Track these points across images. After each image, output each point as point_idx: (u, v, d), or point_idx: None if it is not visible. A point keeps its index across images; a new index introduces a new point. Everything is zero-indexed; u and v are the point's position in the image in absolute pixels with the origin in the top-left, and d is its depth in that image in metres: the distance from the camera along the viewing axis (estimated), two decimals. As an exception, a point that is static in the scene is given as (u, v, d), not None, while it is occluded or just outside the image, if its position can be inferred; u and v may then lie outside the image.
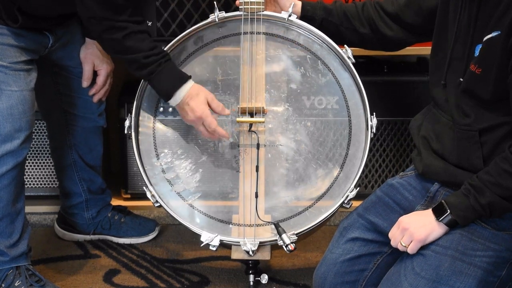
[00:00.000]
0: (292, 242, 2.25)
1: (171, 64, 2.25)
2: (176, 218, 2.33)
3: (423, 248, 1.89)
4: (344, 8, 2.30)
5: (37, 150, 2.95)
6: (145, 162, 2.38)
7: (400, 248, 1.92)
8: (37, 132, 2.92)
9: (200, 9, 2.79)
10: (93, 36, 2.43)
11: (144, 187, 2.35)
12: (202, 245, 2.30)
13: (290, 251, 2.25)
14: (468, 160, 1.93)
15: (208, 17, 2.35)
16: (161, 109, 2.41)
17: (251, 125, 2.35)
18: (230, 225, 2.35)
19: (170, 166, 2.39)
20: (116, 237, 2.77)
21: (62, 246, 2.74)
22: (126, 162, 2.91)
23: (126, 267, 2.60)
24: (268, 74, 2.37)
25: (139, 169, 2.35)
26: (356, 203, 2.24)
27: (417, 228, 1.89)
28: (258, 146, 2.35)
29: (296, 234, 2.28)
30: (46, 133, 2.87)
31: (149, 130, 2.40)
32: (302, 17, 2.34)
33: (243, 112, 2.35)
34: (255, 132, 2.36)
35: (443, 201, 1.89)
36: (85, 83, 2.54)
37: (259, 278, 2.38)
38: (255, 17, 2.32)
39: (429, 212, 1.91)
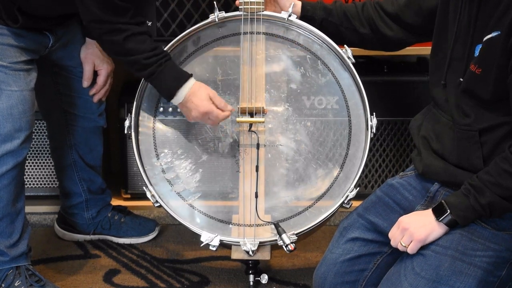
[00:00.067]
0: (292, 242, 2.25)
1: (171, 64, 2.25)
2: (176, 218, 2.33)
3: (423, 248, 1.89)
4: (344, 8, 2.30)
5: (37, 150, 2.95)
6: (145, 162, 2.38)
7: (400, 248, 1.92)
8: (37, 132, 2.92)
9: (200, 9, 2.79)
10: (94, 38, 2.43)
11: (144, 187, 2.35)
12: (202, 245, 2.30)
13: (290, 251, 2.25)
14: (468, 160, 1.93)
15: (208, 17, 2.35)
16: (161, 109, 2.41)
17: (251, 125, 2.35)
18: (230, 225, 2.35)
19: (170, 166, 2.39)
20: (116, 237, 2.77)
21: (62, 246, 2.74)
22: (126, 162, 2.91)
23: (126, 267, 2.60)
24: (268, 74, 2.37)
25: (139, 169, 2.35)
26: (356, 203, 2.24)
27: (417, 228, 1.89)
28: (258, 146, 2.35)
29: (296, 234, 2.28)
30: (46, 133, 2.87)
31: (149, 130, 2.40)
32: (302, 17, 2.34)
33: (243, 112, 2.35)
34: (255, 132, 2.36)
35: (443, 201, 1.89)
36: (85, 83, 2.54)
37: (259, 278, 2.38)
38: (255, 17, 2.32)
39: (429, 212, 1.91)
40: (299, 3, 2.34)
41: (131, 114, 2.37)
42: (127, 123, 2.37)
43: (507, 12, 1.80)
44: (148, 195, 2.34)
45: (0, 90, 2.22)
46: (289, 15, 2.31)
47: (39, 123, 2.90)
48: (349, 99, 2.36)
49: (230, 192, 2.38)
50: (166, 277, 2.54)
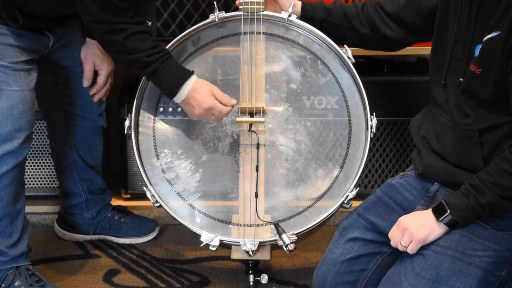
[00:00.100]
0: (292, 242, 2.25)
1: (173, 62, 2.25)
2: (176, 218, 2.33)
3: (423, 248, 1.89)
4: (344, 8, 2.30)
5: (37, 150, 2.95)
6: (145, 162, 2.38)
7: (400, 248, 1.92)
8: (37, 132, 2.92)
9: (200, 9, 2.79)
10: (95, 38, 2.43)
11: (144, 187, 2.35)
12: (202, 245, 2.30)
13: (290, 251, 2.25)
14: (468, 160, 1.93)
15: (208, 17, 2.35)
16: (161, 109, 2.41)
17: (251, 125, 2.35)
18: (230, 225, 2.35)
19: (170, 166, 2.39)
20: (116, 237, 2.77)
21: (62, 246, 2.74)
22: (126, 162, 2.91)
23: (126, 267, 2.60)
24: (268, 74, 2.37)
25: (139, 169, 2.35)
26: (356, 203, 2.24)
27: (417, 228, 1.89)
28: (258, 146, 2.35)
29: (296, 234, 2.28)
30: (46, 133, 2.87)
31: (149, 130, 2.40)
32: (302, 17, 2.34)
33: (243, 112, 2.35)
34: (255, 132, 2.36)
35: (443, 201, 1.89)
36: (85, 83, 2.54)
37: (259, 278, 2.38)
38: (255, 17, 2.32)
39: (429, 212, 1.91)
40: (299, 3, 2.34)
41: (131, 114, 2.37)
42: (127, 123, 2.37)
43: (507, 12, 1.80)
44: (148, 195, 2.34)
45: (1, 90, 2.22)
46: (289, 15, 2.32)
47: (39, 123, 2.90)
48: (349, 99, 2.36)
49: (230, 192, 2.38)
50: (166, 277, 2.54)
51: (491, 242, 1.87)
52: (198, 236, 2.31)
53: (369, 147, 2.31)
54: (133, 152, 2.37)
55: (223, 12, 2.34)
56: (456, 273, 1.83)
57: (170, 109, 2.41)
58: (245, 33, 2.35)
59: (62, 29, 2.41)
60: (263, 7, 2.32)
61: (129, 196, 2.95)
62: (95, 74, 2.55)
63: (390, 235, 1.95)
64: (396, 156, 2.93)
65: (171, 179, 2.38)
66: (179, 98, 2.26)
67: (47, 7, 2.28)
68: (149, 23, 2.75)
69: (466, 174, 1.91)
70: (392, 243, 1.94)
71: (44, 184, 2.98)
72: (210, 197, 2.38)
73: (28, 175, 2.94)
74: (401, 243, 1.91)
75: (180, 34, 2.36)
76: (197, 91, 2.25)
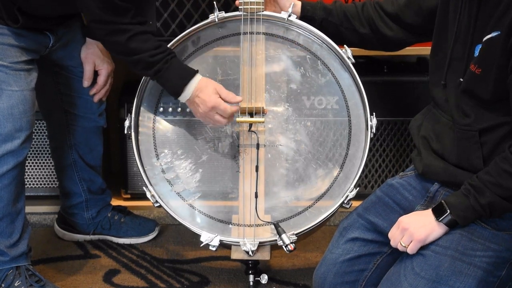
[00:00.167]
0: (291, 242, 2.25)
1: (177, 61, 2.25)
2: (176, 218, 2.33)
3: (423, 248, 1.89)
4: (344, 8, 2.30)
5: (37, 150, 2.95)
6: (145, 162, 2.38)
7: (400, 248, 1.92)
8: (37, 132, 2.92)
9: (200, 9, 2.79)
10: (97, 39, 2.43)
11: (144, 187, 2.35)
12: (202, 245, 2.30)
13: (290, 251, 2.25)
14: (468, 160, 1.93)
15: (208, 17, 2.35)
16: (161, 109, 2.41)
17: (251, 125, 2.35)
18: (230, 225, 2.35)
19: (170, 166, 2.39)
20: (116, 237, 2.77)
21: (62, 246, 2.74)
22: (126, 162, 2.91)
23: (126, 267, 2.60)
24: (268, 74, 2.37)
25: (139, 169, 2.35)
26: (356, 203, 2.24)
27: (417, 228, 1.89)
28: (258, 146, 2.36)
29: (296, 234, 2.28)
30: (46, 133, 2.87)
31: (149, 130, 2.40)
32: (302, 17, 2.34)
33: (243, 112, 2.35)
34: (255, 132, 2.36)
35: (443, 201, 1.89)
36: (86, 83, 2.54)
37: (259, 278, 2.38)
38: (255, 17, 2.33)
39: (429, 212, 1.91)
40: (299, 3, 2.34)
41: (131, 114, 2.37)
42: (127, 123, 2.37)
43: (507, 12, 1.80)
44: (148, 195, 2.34)
45: (1, 90, 2.22)
46: (289, 15, 2.32)
47: (39, 123, 2.90)
48: (349, 99, 2.36)
49: (230, 192, 2.38)
50: (166, 277, 2.54)
51: (491, 242, 1.87)
52: (198, 236, 2.31)
53: (369, 147, 2.31)
54: (133, 152, 2.37)
55: (223, 12, 2.34)
56: (456, 273, 1.83)
57: (170, 109, 2.41)
58: (245, 33, 2.35)
59: (62, 29, 2.41)
60: (263, 7, 2.32)
61: (129, 196, 2.95)
62: (95, 74, 2.55)
63: (390, 235, 1.95)
64: (396, 156, 2.93)
65: (171, 179, 2.38)
66: (184, 97, 2.26)
67: (47, 7, 2.28)
68: (149, 23, 2.75)
69: (466, 174, 1.91)
70: (392, 243, 1.94)
71: (44, 184, 2.98)
72: (210, 197, 2.38)
73: (28, 175, 2.94)
74: (401, 243, 1.91)
75: (180, 34, 2.36)
76: (202, 90, 2.25)
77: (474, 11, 1.88)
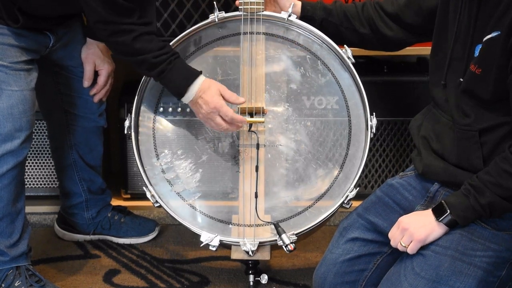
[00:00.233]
0: (291, 242, 2.25)
1: (180, 62, 2.24)
2: (176, 218, 2.33)
3: (423, 248, 1.89)
4: (344, 8, 2.30)
5: (37, 150, 2.95)
6: (145, 162, 2.38)
7: (400, 248, 1.92)
8: (37, 132, 2.92)
9: (200, 9, 2.79)
10: (101, 39, 2.43)
11: (144, 187, 2.35)
12: (202, 245, 2.30)
13: (290, 251, 2.25)
14: (468, 160, 1.93)
15: (208, 17, 2.35)
16: (161, 109, 2.41)
17: (251, 125, 2.35)
18: (230, 225, 2.35)
19: (170, 166, 2.39)
20: (116, 237, 2.77)
21: (62, 246, 2.74)
22: (126, 162, 2.91)
23: (126, 267, 2.60)
24: (268, 74, 2.37)
25: (139, 169, 2.35)
26: (356, 203, 2.24)
27: (417, 228, 1.89)
28: (258, 146, 2.36)
29: (296, 234, 2.28)
30: (46, 133, 2.87)
31: (149, 130, 2.40)
32: (302, 17, 2.34)
33: (243, 112, 2.35)
34: (255, 132, 2.36)
35: (443, 201, 1.89)
36: (86, 83, 2.54)
37: (259, 278, 2.38)
38: (255, 17, 2.33)
39: (429, 212, 1.91)
40: (299, 3, 2.34)
41: (131, 114, 2.37)
42: (127, 123, 2.37)
43: (507, 12, 1.80)
44: (148, 195, 2.34)
45: (1, 90, 2.22)
46: (289, 15, 2.32)
47: (39, 123, 2.90)
48: (349, 99, 2.36)
49: (230, 192, 2.38)
50: (166, 277, 2.54)
51: (491, 242, 1.87)
52: (198, 236, 2.31)
53: (369, 147, 2.31)
54: (133, 152, 2.37)
55: (223, 12, 2.34)
56: (456, 273, 1.84)
57: (170, 109, 2.41)
58: (245, 33, 2.35)
59: (63, 29, 2.41)
60: (263, 7, 2.32)
61: (129, 196, 2.95)
62: (96, 74, 2.55)
63: (390, 235, 1.95)
64: (396, 156, 2.93)
65: (171, 179, 2.38)
66: (187, 98, 2.26)
67: (47, 7, 2.28)
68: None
69: (466, 174, 1.91)
70: (392, 243, 1.94)
71: (44, 184, 2.98)
72: (210, 197, 2.38)
73: (28, 175, 2.94)
74: (401, 243, 1.91)
75: (180, 34, 2.36)
76: (205, 91, 2.24)
77: (474, 11, 1.88)
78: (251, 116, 2.35)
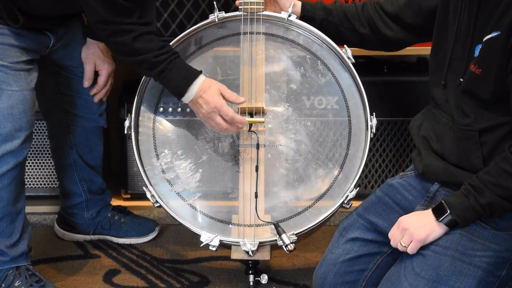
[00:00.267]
0: (291, 242, 2.25)
1: (180, 61, 2.24)
2: (176, 218, 2.33)
3: (423, 248, 1.89)
4: (344, 8, 2.30)
5: (37, 150, 2.95)
6: (145, 162, 2.38)
7: (400, 248, 1.92)
8: (37, 132, 2.92)
9: (200, 9, 2.79)
10: (101, 39, 2.43)
11: (144, 187, 2.35)
12: (202, 245, 2.30)
13: (290, 251, 2.25)
14: (468, 160, 1.93)
15: (208, 17, 2.35)
16: (161, 109, 2.41)
17: (251, 125, 2.35)
18: (230, 225, 2.35)
19: (170, 166, 2.39)
20: (116, 237, 2.77)
21: (62, 246, 2.74)
22: (126, 162, 2.91)
23: (126, 267, 2.60)
24: (268, 74, 2.37)
25: (139, 169, 2.35)
26: (356, 203, 2.24)
27: (417, 228, 1.89)
28: (258, 146, 2.36)
29: (296, 234, 2.28)
30: (46, 133, 2.87)
31: (149, 130, 2.40)
32: (302, 17, 2.34)
33: (243, 112, 2.35)
34: (255, 132, 2.36)
35: (443, 201, 1.89)
36: (86, 83, 2.54)
37: (259, 278, 2.38)
38: (255, 17, 2.33)
39: (429, 212, 1.91)
40: (299, 3, 2.34)
41: (131, 114, 2.37)
42: (127, 123, 2.37)
43: (507, 12, 1.80)
44: (148, 195, 2.34)
45: (1, 90, 2.22)
46: (289, 15, 2.32)
47: (39, 123, 2.90)
48: (349, 99, 2.36)
49: (230, 192, 2.38)
50: (166, 277, 2.54)
51: (491, 242, 1.87)
52: (198, 236, 2.31)
53: (369, 147, 2.31)
54: (133, 152, 2.37)
55: (223, 12, 2.34)
56: (456, 273, 1.84)
57: (170, 109, 2.41)
58: (245, 33, 2.35)
59: (63, 29, 2.41)
60: (263, 7, 2.32)
61: (129, 196, 2.95)
62: (96, 74, 2.55)
63: (390, 235, 1.95)
64: (396, 156, 2.93)
65: (171, 179, 2.38)
66: (187, 98, 2.26)
67: (47, 7, 2.28)
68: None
69: (466, 174, 1.91)
70: (392, 243, 1.94)
71: (44, 184, 2.98)
72: (210, 197, 2.38)
73: (28, 175, 2.94)
74: (401, 243, 1.91)
75: (180, 34, 2.36)
76: (205, 90, 2.24)
77: (474, 11, 1.88)
78: (251, 116, 2.35)
